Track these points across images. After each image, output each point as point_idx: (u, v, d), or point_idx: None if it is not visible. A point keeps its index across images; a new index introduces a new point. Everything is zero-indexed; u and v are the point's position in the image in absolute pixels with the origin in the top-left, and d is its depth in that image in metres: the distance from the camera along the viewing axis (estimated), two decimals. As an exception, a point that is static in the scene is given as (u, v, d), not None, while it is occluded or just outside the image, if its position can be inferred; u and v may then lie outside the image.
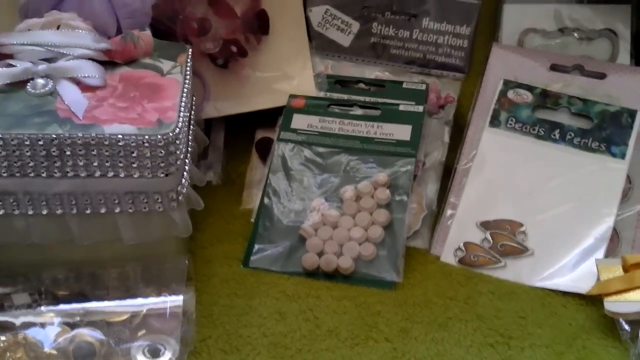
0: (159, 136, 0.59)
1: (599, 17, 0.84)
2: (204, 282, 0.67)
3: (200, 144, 0.75)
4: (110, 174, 0.60)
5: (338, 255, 0.69)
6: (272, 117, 0.80)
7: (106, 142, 0.59)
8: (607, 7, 0.84)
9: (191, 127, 0.69)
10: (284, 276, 0.69)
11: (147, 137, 0.59)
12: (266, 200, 0.73)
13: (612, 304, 0.63)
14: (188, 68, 0.68)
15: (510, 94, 0.78)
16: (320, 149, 0.76)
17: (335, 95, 0.80)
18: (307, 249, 0.70)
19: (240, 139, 0.82)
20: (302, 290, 0.67)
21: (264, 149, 0.80)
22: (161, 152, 0.59)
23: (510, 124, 0.76)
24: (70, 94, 0.62)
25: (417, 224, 0.74)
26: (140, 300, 0.60)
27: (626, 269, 0.66)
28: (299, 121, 0.78)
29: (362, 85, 0.81)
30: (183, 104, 0.63)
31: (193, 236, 0.72)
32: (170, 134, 0.59)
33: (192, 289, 0.62)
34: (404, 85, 0.80)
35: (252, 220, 0.73)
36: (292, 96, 0.80)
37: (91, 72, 0.64)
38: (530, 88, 0.78)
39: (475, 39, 0.84)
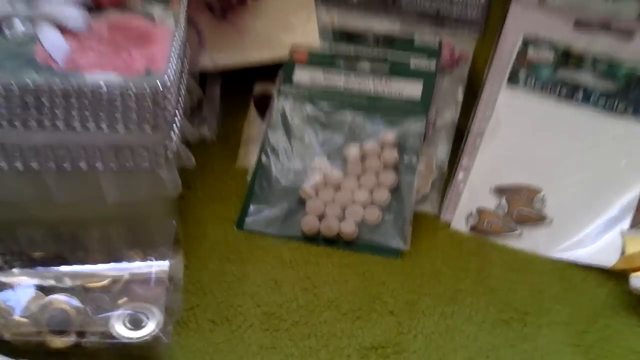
0: (147, 86, 0.53)
1: (627, -29, 0.77)
2: (194, 246, 0.62)
3: (193, 97, 0.69)
4: (92, 126, 0.54)
5: (340, 219, 0.64)
6: (272, 70, 0.74)
7: (88, 92, 0.53)
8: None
9: (183, 78, 0.64)
10: (281, 240, 0.64)
11: (133, 87, 0.53)
12: (264, 158, 0.68)
13: (638, 280, 0.58)
14: (182, 14, 0.62)
15: (530, 52, 0.72)
16: (324, 105, 0.70)
17: (342, 49, 0.74)
18: (307, 212, 0.65)
19: (237, 92, 0.76)
20: (300, 256, 0.62)
21: (263, 104, 0.74)
22: (148, 104, 0.54)
23: (530, 84, 0.71)
24: (49, 38, 0.56)
25: (427, 188, 0.68)
26: (122, 265, 0.55)
27: (653, 241, 0.61)
28: (301, 75, 0.72)
29: (370, 40, 0.75)
30: (175, 53, 0.58)
31: (183, 195, 0.66)
32: (159, 85, 0.54)
33: (180, 253, 0.57)
34: (416, 42, 0.74)
35: (248, 179, 0.68)
36: (294, 49, 0.74)
37: (74, 16, 0.58)
38: (551, 46, 0.72)
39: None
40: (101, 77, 0.54)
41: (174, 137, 0.58)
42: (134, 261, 0.56)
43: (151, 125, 0.55)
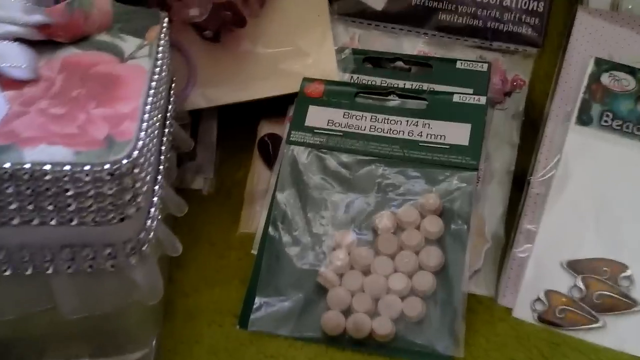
0: (107, 165, 0.39)
1: None
2: (185, 354, 0.48)
3: (182, 148, 0.55)
4: (36, 220, 0.40)
5: (372, 314, 0.50)
6: (279, 106, 0.60)
7: (26, 176, 0.39)
8: None
9: (166, 130, 0.49)
10: (297, 344, 0.50)
11: (88, 167, 0.39)
12: (271, 230, 0.54)
13: None
14: (161, 47, 0.48)
15: (605, 79, 0.58)
16: (345, 157, 0.56)
17: (365, 79, 0.60)
18: (329, 305, 0.51)
19: (238, 134, 0.62)
20: (322, 367, 0.48)
21: (269, 150, 0.60)
22: (111, 189, 0.39)
23: (606, 121, 0.57)
24: (-22, 95, 0.42)
25: (478, 262, 0.54)
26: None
27: None
28: (317, 116, 0.58)
29: (400, 64, 0.61)
30: (149, 105, 0.43)
31: (172, 277, 0.53)
32: (125, 162, 0.39)
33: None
34: (458, 65, 0.60)
35: (254, 253, 0.54)
36: (306, 80, 0.59)
37: (16, 59, 0.44)
38: (632, 71, 0.58)
39: (557, 2, 0.62)
40: (45, 153, 0.39)
41: (151, 225, 0.43)
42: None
43: (117, 216, 0.40)
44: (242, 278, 0.53)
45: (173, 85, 0.53)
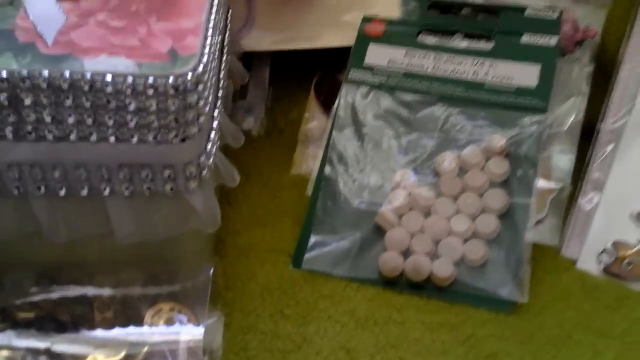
0: (172, 78, 0.37)
1: None
2: (238, 293, 0.46)
3: (237, 81, 0.53)
4: (95, 136, 0.38)
5: (432, 256, 0.48)
6: (341, 53, 0.58)
7: (86, 87, 0.37)
8: None
9: (224, 59, 0.47)
10: (353, 285, 0.47)
11: (152, 78, 0.37)
12: (328, 169, 0.52)
13: None
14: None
15: (684, 22, 0.54)
16: (407, 97, 0.54)
17: (430, 20, 0.58)
18: (387, 246, 0.49)
19: (293, 74, 0.59)
20: (380, 311, 0.46)
21: (328, 93, 0.58)
22: (174, 104, 0.37)
23: None
24: (37, 5, 0.40)
25: (544, 210, 0.52)
26: (141, 331, 0.40)
27: None
28: (377, 54, 0.55)
29: (467, 12, 0.58)
30: (212, 23, 0.41)
31: (224, 214, 0.51)
32: (190, 75, 0.37)
33: (218, 312, 0.41)
34: (527, 13, 0.57)
35: (308, 194, 0.52)
36: (366, 19, 0.57)
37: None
38: None
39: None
40: (107, 63, 0.37)
41: (211, 149, 0.41)
42: (156, 325, 0.40)
43: (179, 135, 0.38)
44: (295, 219, 0.51)
45: (229, 16, 0.51)
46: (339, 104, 0.54)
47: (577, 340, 0.45)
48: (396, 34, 0.56)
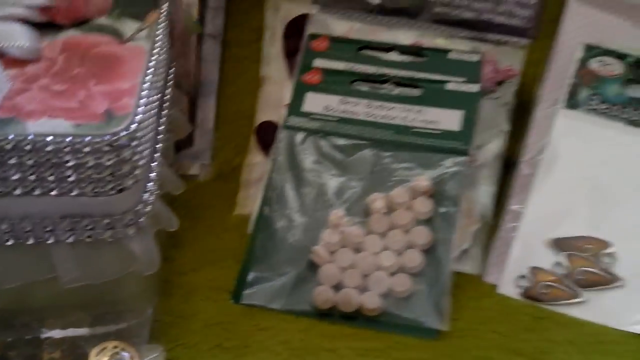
0: (107, 136, 0.41)
1: None
2: (181, 327, 0.50)
3: (180, 132, 0.57)
4: (37, 191, 0.42)
5: (361, 289, 0.52)
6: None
7: (28, 147, 0.41)
8: None
9: (163, 114, 0.51)
10: (289, 318, 0.51)
11: (88, 138, 0.41)
12: (266, 209, 0.56)
13: None
14: (160, 31, 0.50)
15: (594, 64, 0.60)
16: (341, 141, 0.58)
17: (362, 68, 0.62)
18: (320, 281, 0.52)
19: (236, 120, 0.64)
20: (313, 340, 0.50)
21: (267, 136, 0.62)
22: (110, 160, 0.41)
23: (593, 105, 0.58)
24: (-15, 72, 0.44)
25: (467, 241, 0.56)
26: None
27: None
28: (314, 102, 0.60)
29: (396, 55, 0.62)
30: (148, 83, 0.45)
31: (170, 256, 0.54)
32: (123, 134, 0.41)
33: (160, 349, 0.45)
34: (451, 55, 0.61)
35: (249, 233, 0.56)
36: (304, 70, 0.61)
37: (19, 39, 0.46)
38: (620, 55, 0.60)
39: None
40: (47, 125, 0.41)
41: (149, 198, 0.45)
42: (99, 361, 0.44)
43: (116, 187, 0.42)
44: (237, 258, 0.55)
45: (172, 70, 0.55)
46: (278, 148, 0.58)
47: (494, 359, 0.49)
48: (332, 82, 0.61)
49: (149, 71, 0.46)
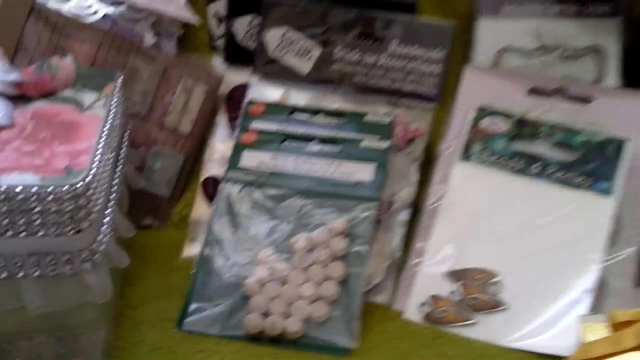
0: (66, 187, 0.51)
1: (584, 32, 0.75)
2: (130, 351, 0.58)
3: (133, 186, 0.66)
4: (10, 233, 0.51)
5: (285, 316, 0.61)
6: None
7: (2, 196, 0.50)
8: (593, 21, 0.75)
9: (118, 169, 0.61)
10: (223, 341, 0.60)
11: (50, 188, 0.50)
12: (206, 250, 0.65)
13: (597, 373, 0.55)
14: (115, 100, 0.60)
15: (484, 123, 0.70)
16: (272, 192, 0.67)
17: (291, 129, 0.72)
18: (250, 309, 0.61)
19: (192, 173, 0.73)
20: (243, 359, 0.58)
21: (211, 189, 0.71)
22: (69, 206, 0.51)
23: (484, 157, 0.68)
24: (-33, 138, 0.54)
25: (380, 276, 0.65)
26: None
27: (614, 327, 0.57)
28: (249, 158, 0.69)
29: (321, 118, 0.72)
30: (102, 144, 0.55)
31: (124, 293, 0.63)
32: (80, 184, 0.51)
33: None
34: (367, 118, 0.72)
35: (193, 272, 0.65)
36: (242, 131, 0.71)
37: (-1, 110, 0.56)
38: (506, 116, 0.69)
39: (450, 62, 0.75)
40: (18, 179, 0.51)
41: (103, 238, 0.54)
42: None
43: (73, 228, 0.52)
44: (182, 293, 0.63)
45: (127, 132, 0.65)
46: (218, 198, 0.68)
47: (394, 372, 0.58)
48: (265, 141, 0.70)
49: (103, 134, 0.56)
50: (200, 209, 0.71)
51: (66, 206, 0.51)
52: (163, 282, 0.65)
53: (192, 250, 0.68)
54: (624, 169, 0.66)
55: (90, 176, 0.52)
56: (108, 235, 0.55)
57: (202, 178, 0.73)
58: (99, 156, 0.54)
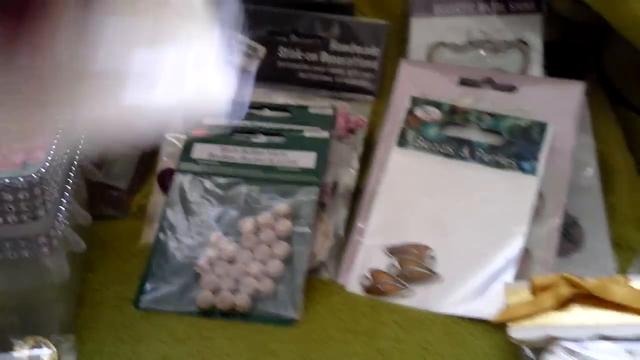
0: (21, 178, 0.56)
1: (510, 28, 0.82)
2: (90, 329, 0.63)
3: (92, 179, 0.71)
4: (-28, 219, 0.56)
5: (234, 292, 0.66)
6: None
7: (-34, 188, 0.55)
8: (517, 17, 0.82)
9: (75, 162, 0.66)
10: (177, 317, 0.65)
11: (7, 180, 0.55)
12: (161, 235, 0.70)
13: (516, 331, 0.60)
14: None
15: (418, 112, 0.75)
16: (221, 180, 0.72)
17: (240, 122, 0.77)
18: (202, 287, 0.66)
19: (146, 167, 0.78)
20: (194, 332, 0.63)
21: (166, 180, 0.77)
22: (25, 196, 0.56)
23: (419, 143, 0.74)
24: None
25: (323, 255, 0.70)
26: (12, 355, 0.57)
27: (534, 291, 0.63)
28: (201, 150, 0.74)
29: (267, 112, 0.78)
30: (57, 140, 0.60)
31: (85, 278, 0.68)
32: (34, 176, 0.56)
33: (70, 338, 0.58)
34: (310, 110, 0.77)
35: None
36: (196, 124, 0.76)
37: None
38: (438, 105, 0.75)
39: (386, 58, 0.81)
40: (-20, 174, 0.56)
41: (59, 225, 0.60)
42: (23, 350, 0.57)
43: (30, 217, 0.57)
44: (140, 275, 0.69)
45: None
46: (172, 187, 0.73)
47: (335, 337, 0.62)
48: (215, 134, 0.76)
49: (59, 132, 0.61)
50: (157, 199, 0.76)
51: (23, 195, 0.56)
52: (122, 267, 0.70)
53: (149, 237, 0.73)
54: (546, 150, 0.72)
55: (44, 169, 0.57)
56: (64, 223, 0.60)
57: (158, 171, 0.78)
58: (54, 151, 0.59)
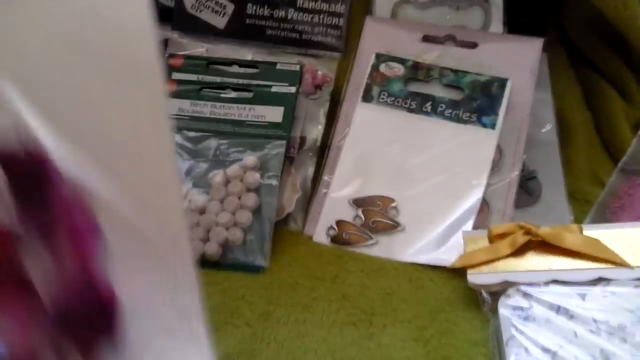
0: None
1: (472, -15, 0.84)
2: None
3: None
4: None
5: (205, 241, 0.68)
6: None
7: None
8: (480, -25, 0.84)
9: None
10: (149, 266, 0.67)
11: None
12: (133, 189, 0.72)
13: (473, 276, 0.63)
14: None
15: (382, 68, 0.77)
16: (191, 134, 0.74)
17: (208, 78, 0.79)
18: (173, 237, 0.69)
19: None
20: (167, 279, 0.66)
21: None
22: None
23: (383, 98, 0.76)
24: None
25: (291, 206, 0.73)
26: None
27: (491, 239, 0.66)
28: (170, 106, 0.76)
29: (236, 68, 0.80)
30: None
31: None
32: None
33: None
34: (278, 67, 0.79)
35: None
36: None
37: None
38: (401, 60, 0.77)
39: (352, 16, 0.83)
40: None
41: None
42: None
43: None
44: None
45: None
46: (142, 143, 0.75)
47: (301, 284, 0.65)
48: (185, 90, 0.77)
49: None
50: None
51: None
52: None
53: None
54: (505, 105, 0.75)
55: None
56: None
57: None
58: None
